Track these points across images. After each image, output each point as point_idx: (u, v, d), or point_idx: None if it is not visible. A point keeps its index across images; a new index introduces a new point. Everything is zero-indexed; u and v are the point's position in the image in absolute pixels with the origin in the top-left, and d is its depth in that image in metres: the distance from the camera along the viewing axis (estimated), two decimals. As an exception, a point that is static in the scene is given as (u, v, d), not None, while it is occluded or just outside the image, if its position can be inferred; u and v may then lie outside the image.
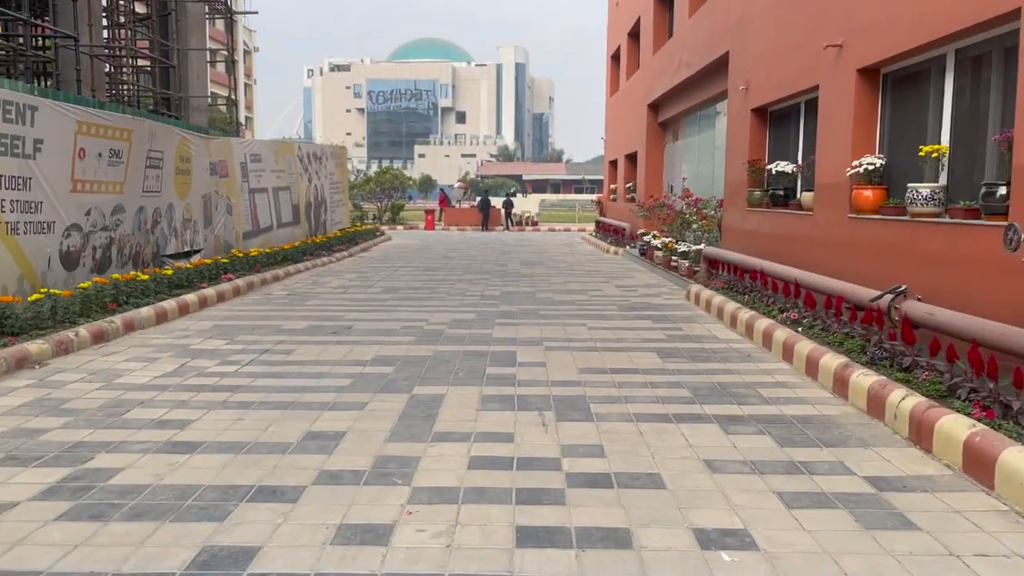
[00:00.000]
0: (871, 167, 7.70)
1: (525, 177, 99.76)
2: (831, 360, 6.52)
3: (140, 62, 18.31)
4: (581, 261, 19.24)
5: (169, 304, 9.99)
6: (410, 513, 3.98)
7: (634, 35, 23.95)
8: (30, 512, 3.97)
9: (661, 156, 21.01)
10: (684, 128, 18.87)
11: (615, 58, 28.12)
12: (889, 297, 6.27)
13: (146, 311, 9.39)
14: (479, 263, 18.44)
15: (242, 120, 70.52)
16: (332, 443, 5.06)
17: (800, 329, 7.83)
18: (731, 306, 9.68)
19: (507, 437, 5.20)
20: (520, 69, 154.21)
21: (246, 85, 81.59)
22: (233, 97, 21.01)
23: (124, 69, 16.94)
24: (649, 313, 10.65)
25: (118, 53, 16.86)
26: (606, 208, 29.37)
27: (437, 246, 24.80)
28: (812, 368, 6.81)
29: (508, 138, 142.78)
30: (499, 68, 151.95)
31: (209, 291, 11.35)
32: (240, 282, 12.56)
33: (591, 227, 33.32)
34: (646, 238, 17.38)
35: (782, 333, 7.80)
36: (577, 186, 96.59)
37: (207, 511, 3.98)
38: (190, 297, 10.64)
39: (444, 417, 5.66)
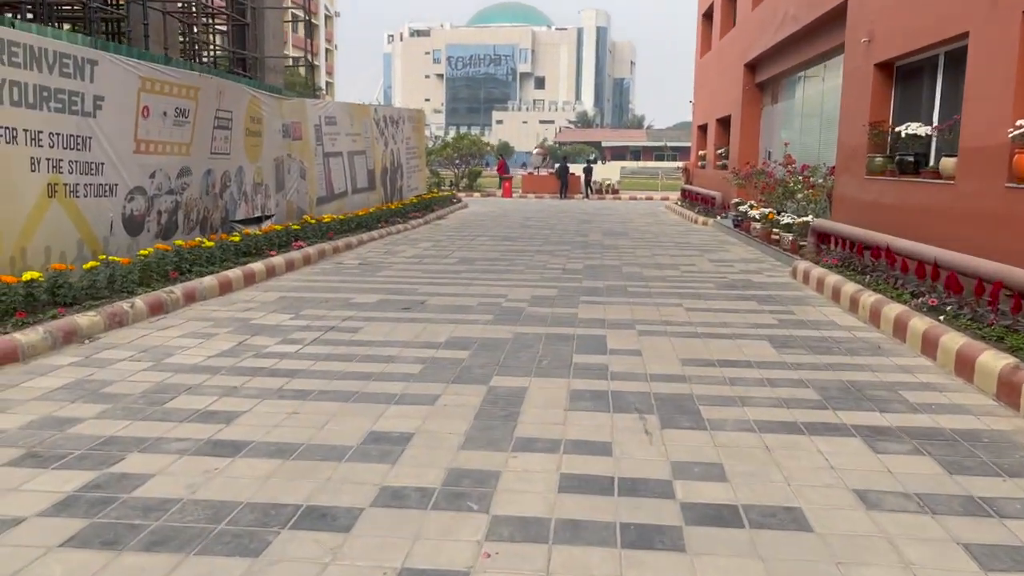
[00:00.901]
0: (1041, 127, 6.44)
1: (604, 144, 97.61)
2: (993, 359, 5.40)
3: (215, 22, 17.85)
4: (668, 232, 18.09)
5: (234, 273, 9.43)
6: (488, 556, 3.15)
7: (730, -10, 22.37)
8: (34, 532, 3.31)
9: (758, 120, 19.53)
10: (785, 89, 17.40)
11: (707, 16, 26.47)
12: (1075, 286, 5.11)
13: (209, 281, 8.83)
14: (559, 233, 17.50)
15: (322, 85, 70.91)
16: (397, 448, 4.28)
17: (942, 318, 6.67)
18: (850, 287, 8.52)
19: (603, 448, 4.33)
20: (601, 33, 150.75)
21: (327, 50, 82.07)
22: (311, 59, 20.44)
23: (198, 28, 16.49)
24: (753, 293, 9.56)
25: (192, 10, 16.40)
26: (693, 176, 27.93)
27: (515, 214, 23.94)
28: (965, 367, 5.70)
29: (587, 104, 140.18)
30: (580, 32, 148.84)
31: (278, 259, 10.77)
32: (311, 250, 11.97)
33: (675, 196, 31.87)
34: (742, 208, 16.12)
35: (920, 322, 6.66)
36: (658, 153, 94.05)
37: (241, 541, 3.24)
38: (257, 266, 10.07)
39: (527, 417, 4.82)
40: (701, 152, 27.15)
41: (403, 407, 5.01)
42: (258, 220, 13.09)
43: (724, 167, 22.31)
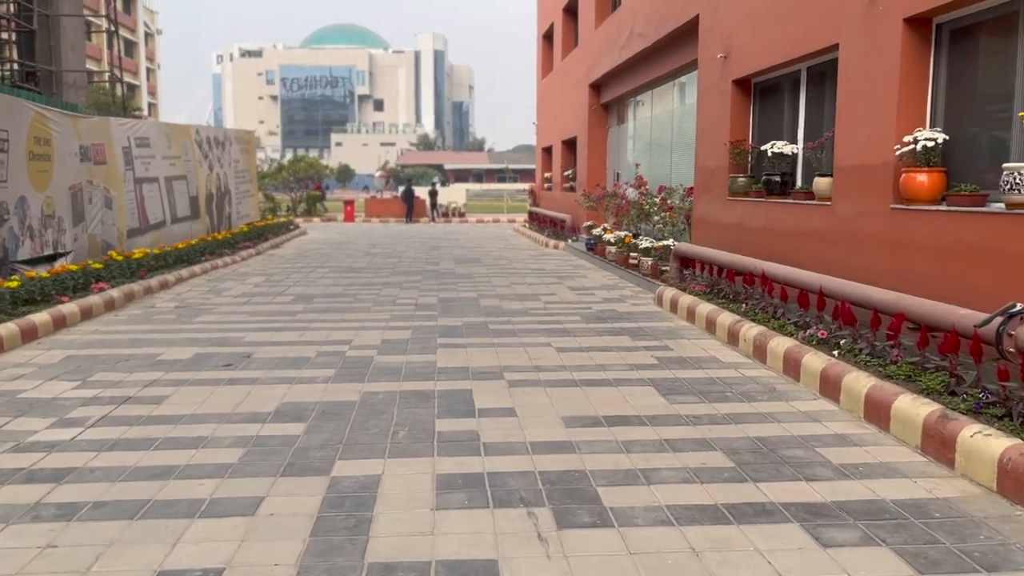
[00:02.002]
0: (930, 144, 5.99)
1: (447, 166, 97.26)
2: (912, 406, 4.76)
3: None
4: (521, 257, 17.33)
5: (5, 328, 7.59)
6: None
7: (571, 10, 22.11)
8: None
9: (605, 141, 19.23)
10: (633, 109, 17.13)
11: (547, 37, 26.24)
12: (999, 320, 4.55)
13: (-33, 342, 7.00)
14: (407, 261, 16.32)
15: (143, 106, 66.10)
16: (196, 602, 2.99)
17: (837, 353, 6.08)
18: (726, 317, 7.91)
19: (488, 570, 3.23)
20: (439, 56, 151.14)
21: (149, 69, 76.81)
22: (119, 73, 18.22)
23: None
24: (622, 326, 8.80)
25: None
26: (540, 198, 27.54)
27: (359, 240, 22.50)
28: (878, 413, 5.06)
29: (428, 127, 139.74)
30: (417, 55, 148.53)
31: (70, 307, 8.95)
32: (115, 293, 10.15)
33: (522, 218, 31.49)
34: (595, 231, 15.58)
35: (815, 359, 6.04)
36: (500, 175, 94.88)
37: None
38: (39, 317, 8.25)
39: (383, 527, 3.65)
40: (547, 174, 26.80)
41: (211, 523, 3.70)
42: (50, 259, 11.07)
43: (572, 189, 21.94)
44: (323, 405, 5.65)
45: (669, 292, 9.84)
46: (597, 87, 18.97)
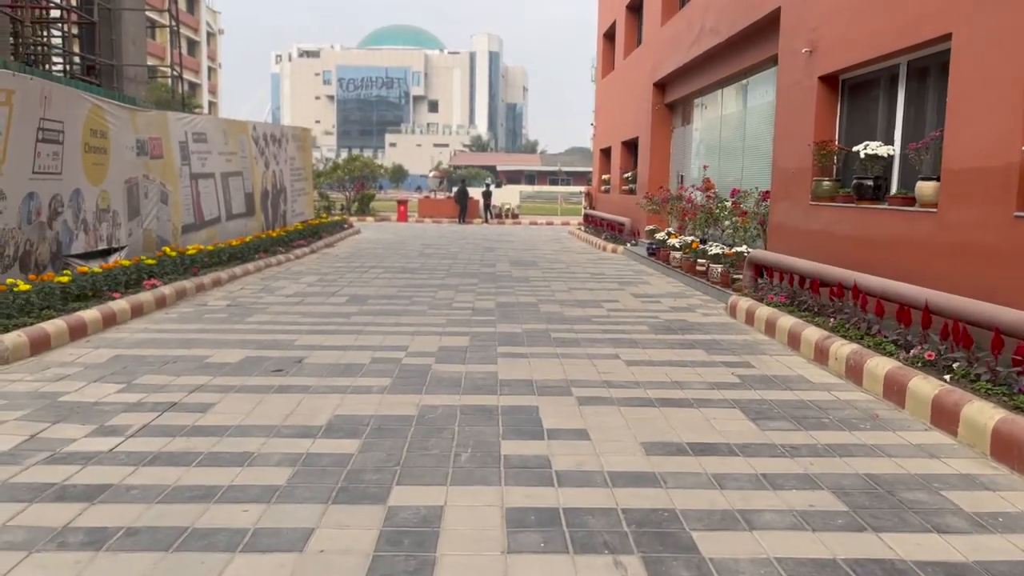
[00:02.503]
0: (1066, 144, 5.31)
1: (499, 168, 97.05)
2: (1056, 445, 4.10)
3: (58, 21, 15.40)
4: (579, 261, 16.77)
5: (53, 326, 7.33)
6: None
7: (635, 7, 21.47)
8: None
9: (668, 142, 18.56)
10: (700, 109, 16.45)
11: (608, 36, 25.62)
12: None
13: (11, 338, 6.74)
14: (463, 263, 15.89)
15: (203, 104, 67.26)
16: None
17: (950, 378, 5.42)
18: (812, 332, 7.26)
19: (575, 639, 2.71)
20: (494, 58, 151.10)
21: (210, 68, 78.22)
22: (179, 70, 18.18)
23: (28, 24, 14.05)
24: (694, 337, 8.20)
25: (18, 2, 13.95)
26: (596, 201, 26.92)
27: (412, 241, 22.19)
28: (1009, 451, 4.41)
29: (481, 128, 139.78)
30: (472, 56, 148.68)
31: (120, 304, 8.70)
32: (167, 290, 9.91)
33: (576, 221, 30.91)
34: (658, 236, 14.94)
35: (925, 384, 5.38)
36: (552, 177, 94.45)
37: None
38: (89, 314, 7.99)
39: (448, 571, 3.16)
40: (605, 176, 26.17)
41: (254, 559, 3.26)
42: (105, 253, 10.90)
43: (631, 192, 21.31)
44: (378, 419, 5.20)
45: (744, 302, 9.20)
46: (662, 86, 18.32)
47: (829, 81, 9.20)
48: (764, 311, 8.52)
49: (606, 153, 26.26)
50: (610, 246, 19.18)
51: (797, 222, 9.68)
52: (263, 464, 4.36)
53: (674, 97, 17.63)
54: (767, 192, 10.99)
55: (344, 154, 75.93)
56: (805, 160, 9.41)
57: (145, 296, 9.31)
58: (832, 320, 7.41)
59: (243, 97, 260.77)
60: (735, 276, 10.63)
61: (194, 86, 68.94)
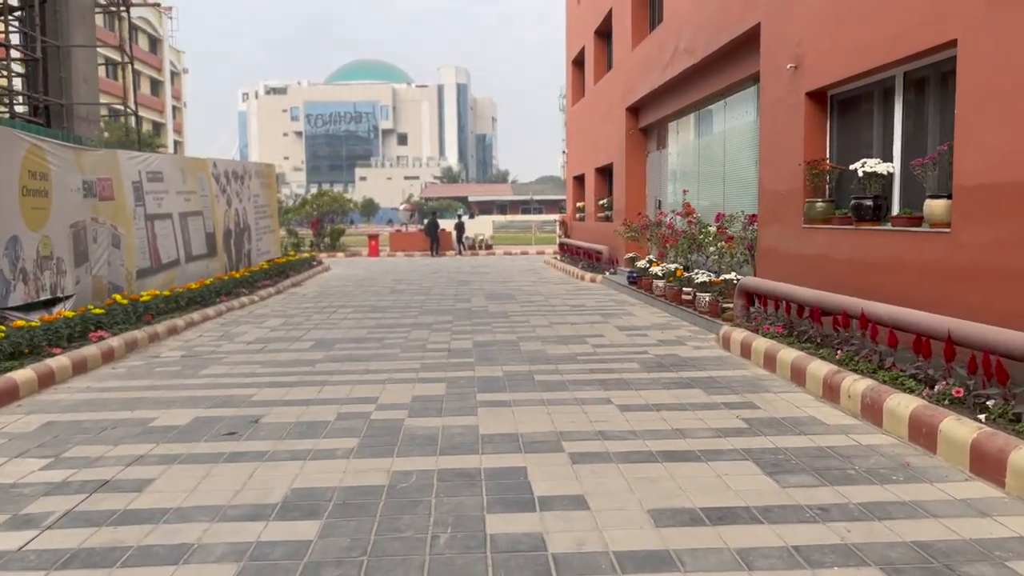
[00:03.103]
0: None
1: (471, 199, 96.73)
2: None
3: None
4: (557, 292, 16.16)
5: (-22, 390, 6.54)
6: None
7: (603, 32, 21.15)
8: None
9: (643, 167, 18.10)
10: (676, 132, 16.01)
11: (577, 63, 25.30)
12: None
13: (-75, 409, 5.95)
14: (436, 299, 15.21)
15: (168, 144, 66.32)
16: None
17: (985, 418, 4.84)
18: (819, 367, 6.67)
19: None
20: (462, 89, 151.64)
21: (175, 108, 77.29)
22: (132, 108, 17.45)
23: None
24: (689, 375, 7.58)
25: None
26: (572, 229, 26.43)
27: (383, 276, 21.49)
28: (1075, 507, 3.80)
29: (452, 160, 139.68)
30: (440, 89, 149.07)
31: (60, 360, 7.91)
32: (115, 342, 9.13)
33: (551, 250, 30.40)
34: (639, 264, 14.39)
35: (959, 426, 4.79)
36: (524, 207, 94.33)
37: None
38: (21, 375, 7.21)
39: None
40: (579, 204, 25.71)
41: None
42: (49, 304, 10.08)
43: (607, 219, 20.82)
44: (343, 492, 4.49)
45: (738, 333, 8.62)
46: (635, 110, 17.90)
47: (817, 97, 8.73)
48: (762, 343, 7.93)
49: (579, 180, 25.83)
50: (588, 275, 18.62)
51: (789, 246, 9.15)
52: (202, 559, 3.64)
53: (648, 121, 17.20)
54: (754, 216, 10.48)
55: (314, 189, 75.14)
56: (795, 181, 8.91)
57: (90, 350, 8.52)
58: (839, 352, 6.83)
59: (210, 136, 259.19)
60: (725, 305, 10.06)
61: (158, 126, 67.96)
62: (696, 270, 11.42)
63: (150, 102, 65.26)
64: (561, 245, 26.08)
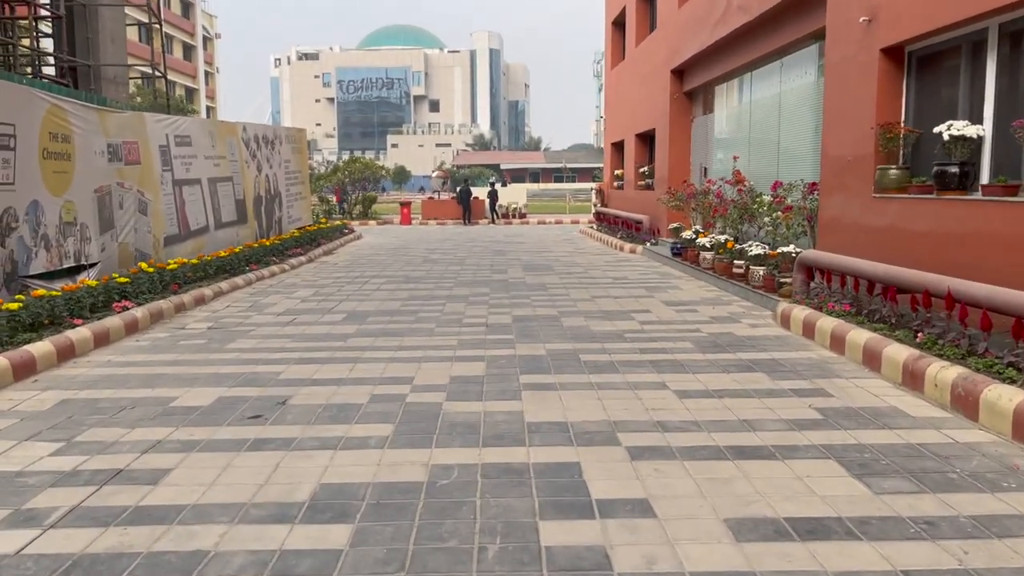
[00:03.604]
0: None
1: (503, 166, 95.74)
2: None
3: (23, 19, 14.21)
4: (596, 263, 15.56)
5: (-9, 365, 6.17)
6: None
7: (646, -10, 20.25)
8: None
9: (688, 133, 17.33)
10: (724, 96, 15.22)
11: (618, 24, 24.38)
12: None
13: (-67, 386, 5.58)
14: (471, 269, 14.70)
15: (201, 109, 66.26)
16: None
17: (1110, 416, 4.21)
18: (897, 350, 6.05)
19: None
20: (494, 55, 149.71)
21: (208, 73, 77.13)
22: (161, 70, 17.02)
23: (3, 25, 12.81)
24: (750, 357, 6.99)
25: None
26: (609, 198, 25.70)
27: (417, 246, 21.02)
28: None
29: (484, 127, 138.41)
30: (473, 54, 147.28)
31: (81, 332, 7.54)
32: (139, 312, 8.75)
33: (586, 219, 29.69)
34: (684, 234, 13.73)
35: (1079, 425, 4.17)
36: (557, 175, 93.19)
37: None
38: (39, 347, 6.83)
39: None
40: (617, 171, 24.95)
41: None
42: (73, 272, 9.74)
43: (648, 187, 20.09)
44: (377, 490, 4.02)
45: (799, 311, 7.99)
46: (680, 73, 17.09)
47: (893, 54, 7.98)
48: (828, 322, 7.31)
49: (618, 147, 25.04)
50: (628, 246, 17.97)
51: (856, 217, 8.46)
52: (218, 572, 3.19)
53: (694, 84, 16.40)
54: (814, 184, 9.77)
55: (346, 156, 74.83)
56: (865, 146, 8.19)
57: (113, 321, 8.14)
58: (918, 335, 6.20)
59: (243, 102, 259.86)
60: (781, 280, 9.41)
61: (191, 91, 67.93)
62: (748, 242, 10.75)
63: (183, 67, 65.15)
64: (597, 214, 25.39)
